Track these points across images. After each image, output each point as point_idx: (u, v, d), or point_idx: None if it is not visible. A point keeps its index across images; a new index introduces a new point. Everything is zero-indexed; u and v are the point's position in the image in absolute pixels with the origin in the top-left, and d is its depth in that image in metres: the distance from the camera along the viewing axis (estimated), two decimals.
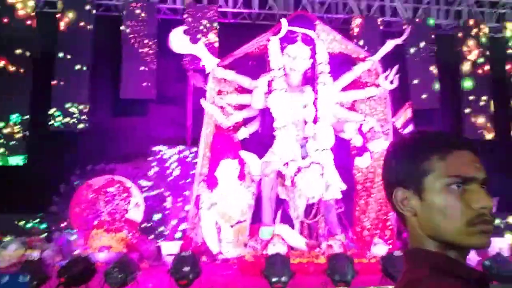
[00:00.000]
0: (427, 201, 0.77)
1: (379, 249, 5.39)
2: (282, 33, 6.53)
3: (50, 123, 8.06)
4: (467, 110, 9.67)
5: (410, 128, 7.15)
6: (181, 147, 7.96)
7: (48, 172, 7.60)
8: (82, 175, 6.92)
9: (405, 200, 0.79)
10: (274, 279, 3.80)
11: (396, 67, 6.84)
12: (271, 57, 6.64)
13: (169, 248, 5.87)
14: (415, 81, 9.51)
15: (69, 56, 8.38)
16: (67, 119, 8.14)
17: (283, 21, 6.57)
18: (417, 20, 9.87)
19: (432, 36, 9.79)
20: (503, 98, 9.97)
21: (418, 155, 0.79)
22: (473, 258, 5.29)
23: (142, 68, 8.56)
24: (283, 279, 3.79)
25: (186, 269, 3.98)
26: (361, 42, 9.21)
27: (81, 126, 8.17)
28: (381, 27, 9.71)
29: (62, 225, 6.61)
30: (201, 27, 8.85)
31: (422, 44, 9.66)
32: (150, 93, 8.52)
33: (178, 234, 6.57)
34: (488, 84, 9.84)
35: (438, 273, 0.73)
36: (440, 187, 0.76)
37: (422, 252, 0.77)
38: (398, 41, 7.13)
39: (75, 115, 8.17)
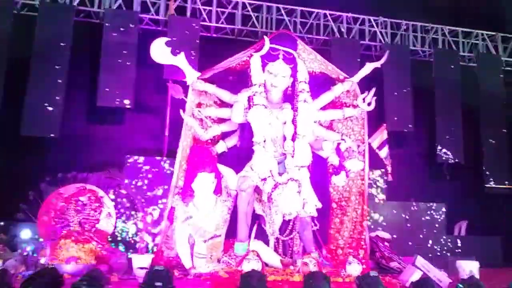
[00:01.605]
0: None
1: (354, 268, 5.41)
2: (264, 50, 6.58)
3: (21, 128, 7.81)
4: (439, 135, 9.95)
5: (385, 149, 7.29)
6: (156, 158, 7.85)
7: (16, 178, 7.35)
8: (53, 183, 6.69)
9: None
10: None
11: (373, 90, 6.97)
12: (252, 72, 6.67)
13: (140, 261, 5.70)
14: (390, 104, 9.74)
15: (45, 60, 8.19)
16: (39, 125, 7.90)
17: (266, 39, 6.62)
18: (395, 45, 10.19)
19: (409, 61, 10.12)
20: (473, 125, 10.33)
21: None
22: (444, 280, 5.38)
23: (120, 76, 8.44)
24: None
25: (159, 284, 3.87)
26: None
27: (53, 132, 7.95)
28: (360, 50, 9.95)
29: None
30: (183, 39, 8.83)
31: (398, 68, 9.95)
32: (128, 102, 8.40)
33: (150, 247, 6.42)
34: (459, 110, 10.19)
35: None
36: None
37: None
38: (377, 64, 7.27)
39: (47, 121, 7.94)
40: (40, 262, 5.68)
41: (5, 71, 8.02)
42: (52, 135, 7.89)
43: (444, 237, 8.89)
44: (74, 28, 8.50)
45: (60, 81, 8.13)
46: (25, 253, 5.96)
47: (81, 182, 6.73)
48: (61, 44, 8.29)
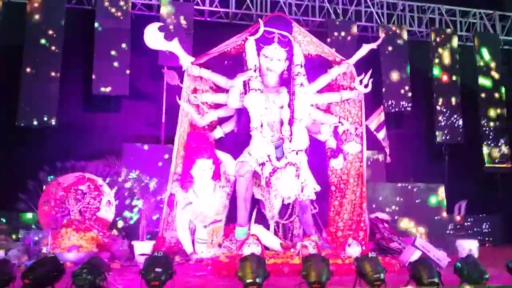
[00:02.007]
0: None
1: (353, 249, 5.45)
2: (259, 34, 6.51)
3: (17, 118, 7.78)
4: (437, 116, 9.93)
5: (383, 131, 7.28)
6: (154, 145, 7.83)
7: (15, 169, 7.35)
8: (51, 172, 6.69)
9: None
10: (248, 280, 3.74)
11: (370, 71, 6.93)
12: (248, 57, 6.61)
13: (142, 248, 5.74)
14: (387, 85, 9.70)
15: (38, 49, 8.11)
16: (35, 115, 7.87)
17: (261, 22, 6.55)
18: (391, 26, 10.10)
19: (406, 42, 10.03)
20: (471, 105, 10.30)
21: None
22: (443, 259, 5.42)
23: (115, 63, 8.37)
24: (258, 280, 3.73)
25: (158, 270, 3.87)
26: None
27: (50, 121, 7.92)
28: (356, 32, 9.85)
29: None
30: (177, 24, 8.74)
31: (395, 49, 9.88)
32: (123, 89, 8.34)
33: (151, 234, 6.45)
34: (457, 90, 10.15)
35: None
36: None
37: None
38: (374, 45, 7.22)
39: (44, 111, 7.91)
40: (42, 251, 5.70)
41: None
42: (48, 124, 7.86)
43: (443, 217, 8.91)
44: (66, 15, 8.40)
45: (54, 69, 8.06)
46: (27, 243, 5.98)
47: (80, 171, 6.71)
48: (54, 31, 8.20)
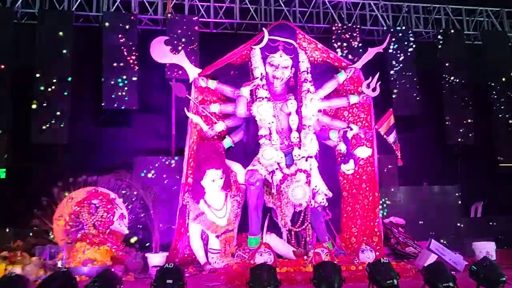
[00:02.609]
0: None
1: (367, 255, 5.39)
2: (263, 43, 6.55)
3: (31, 135, 7.92)
4: (448, 117, 9.81)
5: (393, 134, 7.23)
6: (165, 157, 7.89)
7: (29, 185, 7.46)
8: (64, 188, 6.78)
9: None
10: None
11: (377, 75, 6.91)
12: (253, 66, 6.66)
13: (155, 260, 5.77)
14: (396, 88, 9.64)
15: (49, 68, 8.25)
16: (48, 131, 7.99)
17: (265, 31, 6.59)
18: (397, 28, 10.05)
19: (412, 44, 9.96)
20: (482, 104, 10.17)
21: None
22: (460, 263, 5.33)
23: (123, 78, 8.47)
24: None
25: (170, 281, 3.89)
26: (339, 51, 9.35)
27: (63, 139, 8.04)
28: (361, 36, 9.82)
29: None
30: (183, 37, 8.83)
31: (402, 52, 9.82)
32: (133, 103, 8.44)
33: (164, 246, 6.48)
34: (467, 90, 10.03)
35: None
36: None
37: None
38: (379, 49, 7.22)
39: (56, 127, 8.03)
40: (58, 266, 5.76)
41: (10, 80, 8.11)
42: (61, 142, 7.99)
43: (460, 219, 8.76)
44: (75, 33, 8.55)
45: (65, 87, 8.20)
46: (43, 258, 6.05)
47: (92, 185, 6.79)
48: (63, 50, 8.34)
